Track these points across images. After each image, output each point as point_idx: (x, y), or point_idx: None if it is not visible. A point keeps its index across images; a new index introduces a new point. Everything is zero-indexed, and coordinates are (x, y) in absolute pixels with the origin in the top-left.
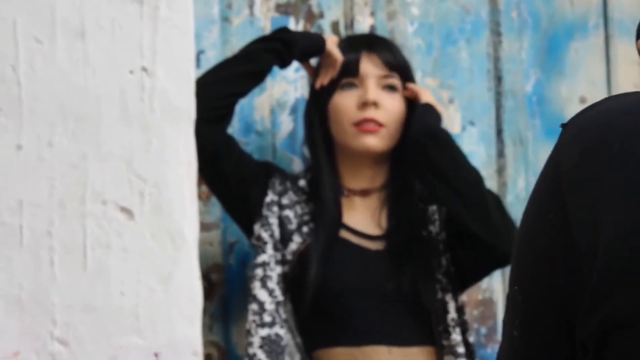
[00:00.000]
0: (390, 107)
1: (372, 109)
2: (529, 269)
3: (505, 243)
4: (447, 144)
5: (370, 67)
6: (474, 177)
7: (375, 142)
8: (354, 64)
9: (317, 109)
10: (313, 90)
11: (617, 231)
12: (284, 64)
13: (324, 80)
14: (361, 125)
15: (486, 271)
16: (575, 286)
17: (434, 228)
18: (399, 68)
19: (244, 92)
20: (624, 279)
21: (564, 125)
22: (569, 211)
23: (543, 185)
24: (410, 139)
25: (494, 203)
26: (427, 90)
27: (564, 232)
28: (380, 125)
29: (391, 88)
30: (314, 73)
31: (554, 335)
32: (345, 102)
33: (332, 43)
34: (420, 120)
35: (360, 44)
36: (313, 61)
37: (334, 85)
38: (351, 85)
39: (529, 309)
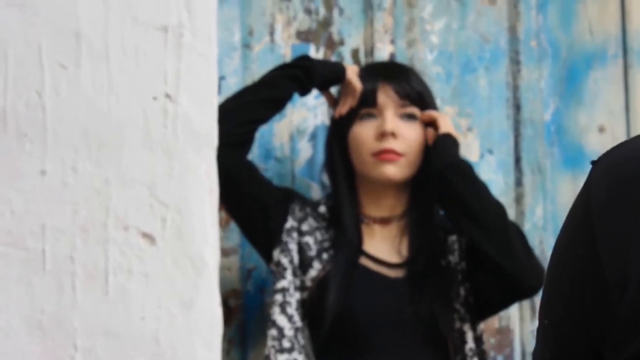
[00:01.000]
0: (408, 136)
1: (391, 140)
2: (559, 302)
3: (528, 275)
4: (469, 176)
5: (388, 97)
6: (497, 209)
7: (394, 171)
8: (372, 95)
9: (337, 138)
10: (333, 120)
11: None
12: (304, 92)
13: (342, 109)
14: (380, 155)
15: (507, 303)
16: (606, 319)
17: (453, 258)
18: (417, 98)
19: (264, 119)
20: None
21: (594, 162)
22: (598, 245)
23: (573, 220)
24: (432, 171)
25: (517, 235)
26: (445, 116)
27: (594, 266)
28: (399, 154)
29: (410, 117)
30: (334, 102)
31: None
32: (363, 132)
33: (352, 72)
34: (441, 152)
35: (379, 74)
36: (333, 90)
37: (354, 116)
38: (370, 116)
39: (560, 341)
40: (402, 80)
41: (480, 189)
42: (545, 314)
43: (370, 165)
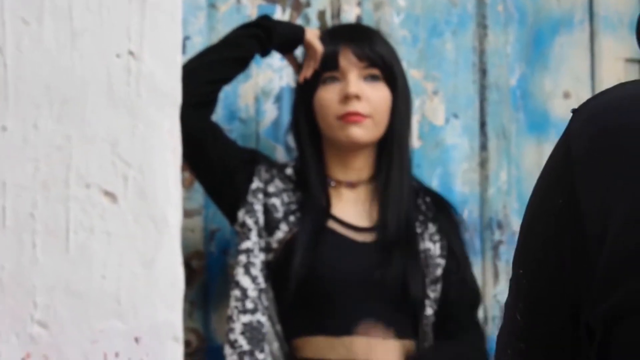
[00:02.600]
0: (373, 98)
1: (355, 102)
2: (535, 252)
3: None
4: None
5: (350, 60)
6: None
7: (360, 132)
8: (334, 58)
9: (302, 102)
10: (298, 84)
11: (629, 216)
12: (264, 52)
13: (307, 73)
14: (345, 118)
15: None
16: (582, 271)
17: (433, 247)
18: (379, 60)
19: (228, 78)
20: (635, 265)
21: (574, 111)
22: (579, 195)
23: (551, 171)
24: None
25: None
26: None
27: (573, 217)
28: (364, 116)
29: (373, 77)
30: (297, 67)
31: (558, 320)
32: (328, 96)
33: (312, 35)
34: None
35: (340, 37)
36: (298, 55)
37: (317, 80)
38: (333, 79)
39: (534, 292)
40: (364, 43)
41: None
42: (519, 263)
43: (336, 128)
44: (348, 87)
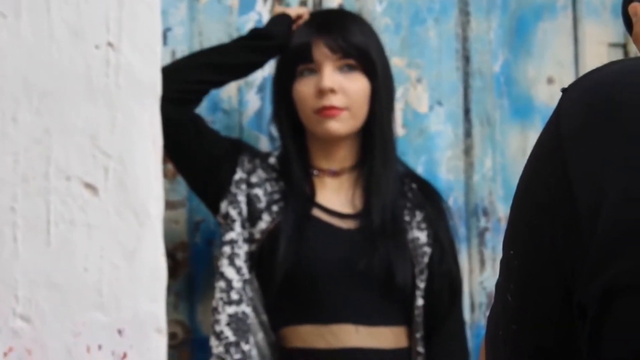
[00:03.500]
0: (349, 89)
1: (330, 96)
2: (526, 231)
3: None
4: None
5: (323, 52)
6: None
7: (337, 126)
8: (307, 50)
9: (281, 95)
10: (276, 76)
11: (623, 193)
12: (267, 54)
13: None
14: (321, 112)
15: None
16: (575, 249)
17: (421, 236)
18: (352, 50)
19: (212, 82)
20: (629, 242)
21: (564, 90)
22: (570, 173)
23: (541, 150)
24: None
25: None
26: None
27: (565, 195)
28: (340, 109)
29: (350, 67)
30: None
31: (550, 300)
32: (304, 89)
33: (290, 11)
34: None
35: (313, 28)
36: None
37: (294, 72)
38: (310, 71)
39: (525, 273)
40: (337, 33)
41: None
42: (510, 244)
43: (313, 122)
44: (322, 81)
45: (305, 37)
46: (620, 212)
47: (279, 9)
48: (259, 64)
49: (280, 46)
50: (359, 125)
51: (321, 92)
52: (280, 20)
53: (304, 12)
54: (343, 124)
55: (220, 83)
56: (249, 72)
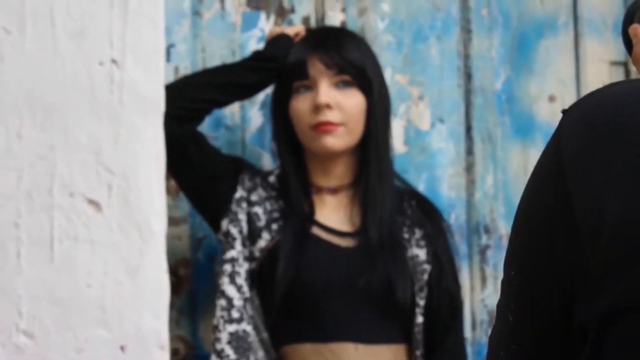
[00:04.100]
0: (345, 105)
1: (326, 111)
2: (527, 252)
3: None
4: None
5: (318, 68)
6: None
7: (333, 141)
8: (302, 67)
9: (279, 112)
10: (273, 94)
11: (624, 213)
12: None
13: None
14: (317, 128)
15: None
16: (575, 270)
17: (421, 253)
18: (348, 66)
19: (216, 101)
20: (629, 263)
21: (564, 111)
22: (571, 193)
23: (542, 171)
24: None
25: None
26: None
27: (565, 215)
28: (336, 125)
29: (345, 84)
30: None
31: (550, 320)
32: (300, 106)
33: (288, 30)
34: None
35: (308, 44)
36: None
37: (290, 88)
38: (306, 88)
39: (526, 293)
40: (332, 50)
41: None
42: (511, 264)
43: (309, 138)
44: (318, 97)
45: (301, 54)
46: (619, 233)
47: (276, 30)
48: (263, 86)
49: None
50: (355, 141)
51: (317, 108)
52: (282, 41)
53: (301, 29)
54: (339, 140)
55: (223, 103)
56: (252, 94)
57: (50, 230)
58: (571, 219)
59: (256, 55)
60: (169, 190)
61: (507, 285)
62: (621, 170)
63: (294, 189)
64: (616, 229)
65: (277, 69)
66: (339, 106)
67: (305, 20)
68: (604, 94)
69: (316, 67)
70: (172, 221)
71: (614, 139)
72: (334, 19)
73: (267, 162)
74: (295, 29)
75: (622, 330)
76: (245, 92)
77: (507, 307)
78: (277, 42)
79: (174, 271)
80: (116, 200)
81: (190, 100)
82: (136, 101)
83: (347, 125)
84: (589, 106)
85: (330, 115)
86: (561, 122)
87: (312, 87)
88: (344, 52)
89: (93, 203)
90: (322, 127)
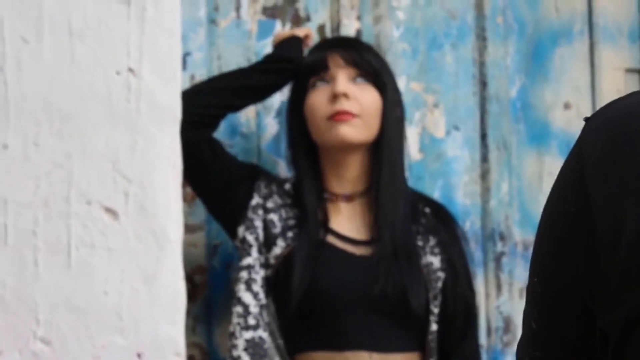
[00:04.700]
0: (362, 98)
1: (343, 101)
2: (549, 260)
3: None
4: None
5: (338, 63)
6: None
7: (349, 130)
8: (322, 61)
9: (295, 113)
10: (290, 95)
11: None
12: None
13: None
14: (334, 117)
15: None
16: (596, 277)
17: (435, 261)
18: (366, 65)
19: (231, 106)
20: None
21: (587, 119)
22: (591, 202)
23: (564, 179)
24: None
25: None
26: None
27: (586, 224)
28: (353, 115)
29: (363, 78)
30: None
31: (572, 327)
32: (317, 98)
33: (299, 32)
34: None
35: (327, 45)
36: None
37: (306, 86)
38: (322, 81)
39: (548, 300)
40: (351, 49)
41: None
42: (535, 271)
43: (325, 128)
44: (336, 86)
45: (321, 52)
46: (638, 243)
47: (285, 32)
48: (277, 87)
49: (297, 67)
50: (369, 137)
51: (335, 97)
52: (292, 43)
53: (309, 31)
54: (355, 130)
55: (238, 107)
56: (266, 96)
57: (67, 237)
58: (591, 227)
59: (269, 57)
60: (184, 198)
61: (530, 293)
62: (639, 180)
63: (309, 196)
64: (636, 237)
65: (292, 69)
66: (356, 97)
67: (321, 29)
68: (624, 103)
69: (336, 62)
70: (188, 228)
71: (634, 148)
72: (350, 27)
73: (283, 169)
74: (304, 30)
75: None
76: (260, 94)
77: (531, 314)
78: (287, 44)
79: (189, 278)
80: (133, 208)
81: (205, 105)
82: (153, 109)
83: (363, 118)
84: (609, 115)
85: (347, 105)
86: (582, 131)
87: (328, 80)
88: (363, 53)
89: (110, 211)
90: (338, 116)
